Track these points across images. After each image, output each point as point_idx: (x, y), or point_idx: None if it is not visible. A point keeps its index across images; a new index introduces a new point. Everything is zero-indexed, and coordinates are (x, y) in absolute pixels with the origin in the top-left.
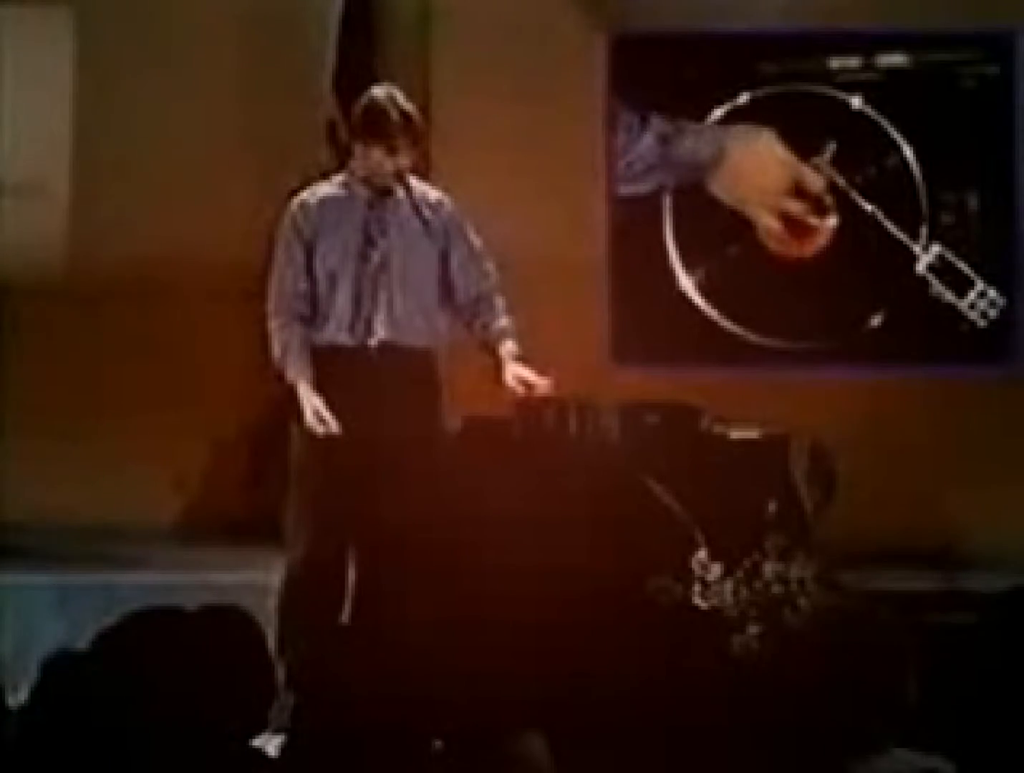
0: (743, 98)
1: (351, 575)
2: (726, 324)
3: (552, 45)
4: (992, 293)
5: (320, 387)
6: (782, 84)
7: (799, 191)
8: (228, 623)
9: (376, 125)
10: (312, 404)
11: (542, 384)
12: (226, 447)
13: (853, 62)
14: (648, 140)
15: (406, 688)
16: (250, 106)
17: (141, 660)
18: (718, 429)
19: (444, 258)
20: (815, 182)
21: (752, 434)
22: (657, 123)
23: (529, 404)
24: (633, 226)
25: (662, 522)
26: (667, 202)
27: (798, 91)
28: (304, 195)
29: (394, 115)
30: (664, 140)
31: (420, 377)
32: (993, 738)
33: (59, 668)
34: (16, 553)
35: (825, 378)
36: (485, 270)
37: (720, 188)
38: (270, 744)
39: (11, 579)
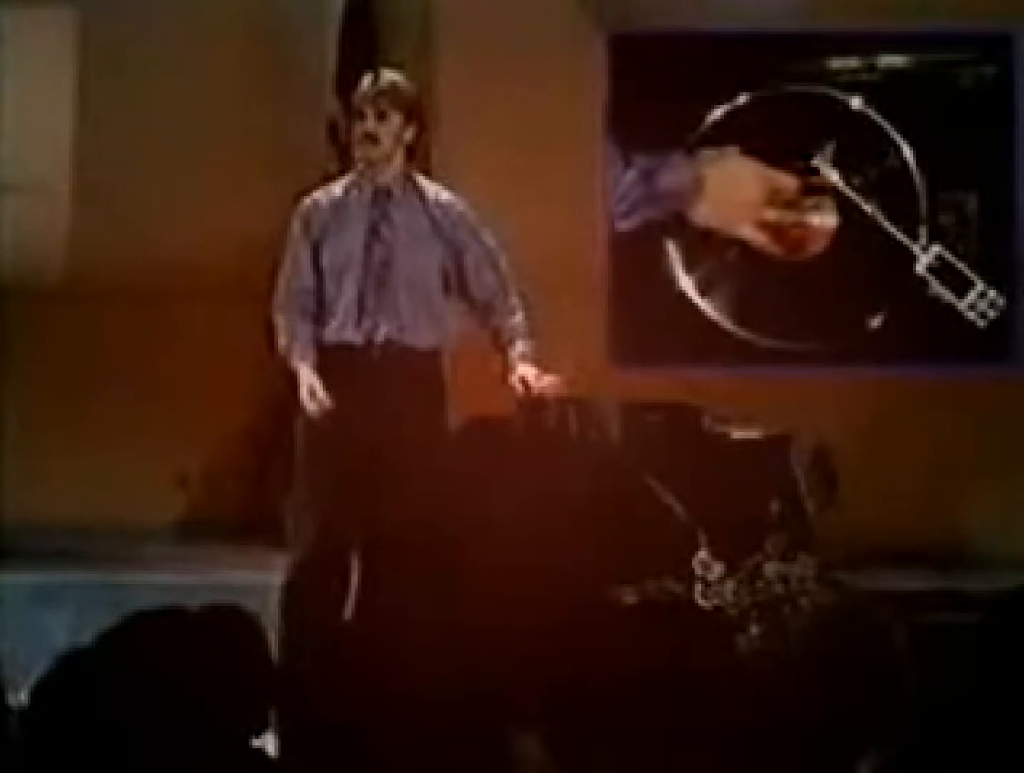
0: (743, 98)
1: (354, 574)
2: (725, 324)
3: (552, 45)
4: (991, 293)
5: (325, 384)
6: (782, 84)
7: (775, 198)
8: (230, 623)
9: (354, 98)
10: (308, 382)
11: (543, 384)
12: (228, 446)
13: (853, 62)
14: (631, 177)
15: (408, 686)
16: (253, 107)
17: (143, 660)
18: (720, 429)
19: (457, 259)
20: (789, 183)
21: (754, 434)
22: (639, 160)
23: (531, 404)
24: (633, 227)
25: (664, 522)
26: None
27: (798, 91)
28: (315, 194)
29: (364, 84)
30: (646, 176)
31: (424, 376)
32: (993, 738)
33: (61, 668)
34: (17, 552)
35: (824, 378)
36: (499, 270)
37: (702, 215)
38: (272, 744)
39: (12, 578)
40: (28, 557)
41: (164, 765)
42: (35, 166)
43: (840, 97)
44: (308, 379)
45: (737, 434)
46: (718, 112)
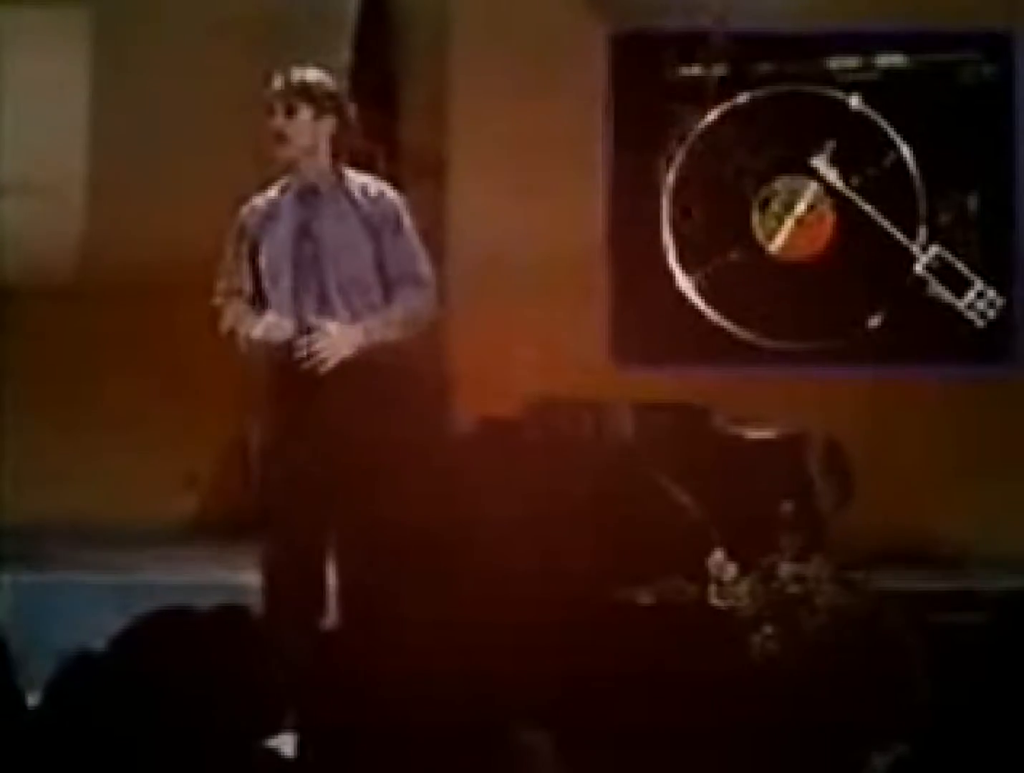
0: (743, 98)
1: (334, 577)
2: (725, 324)
3: (555, 44)
4: (990, 293)
5: (275, 388)
6: (781, 84)
7: None
8: (239, 623)
9: (265, 96)
10: (266, 322)
11: (324, 348)
12: (235, 446)
13: (852, 62)
14: None
15: (406, 688)
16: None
17: (152, 661)
18: (733, 429)
19: (378, 245)
20: None
21: (767, 434)
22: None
23: (542, 405)
24: (633, 226)
25: (678, 522)
26: (667, 202)
27: (797, 91)
28: (253, 199)
29: (275, 82)
30: None
31: (372, 370)
32: (1001, 738)
33: (70, 670)
34: (22, 554)
35: (824, 378)
36: (412, 258)
37: None
38: (286, 744)
39: (17, 580)
40: (33, 558)
41: (173, 766)
42: (46, 167)
43: (839, 97)
44: (265, 320)
45: (750, 434)
46: (718, 112)
